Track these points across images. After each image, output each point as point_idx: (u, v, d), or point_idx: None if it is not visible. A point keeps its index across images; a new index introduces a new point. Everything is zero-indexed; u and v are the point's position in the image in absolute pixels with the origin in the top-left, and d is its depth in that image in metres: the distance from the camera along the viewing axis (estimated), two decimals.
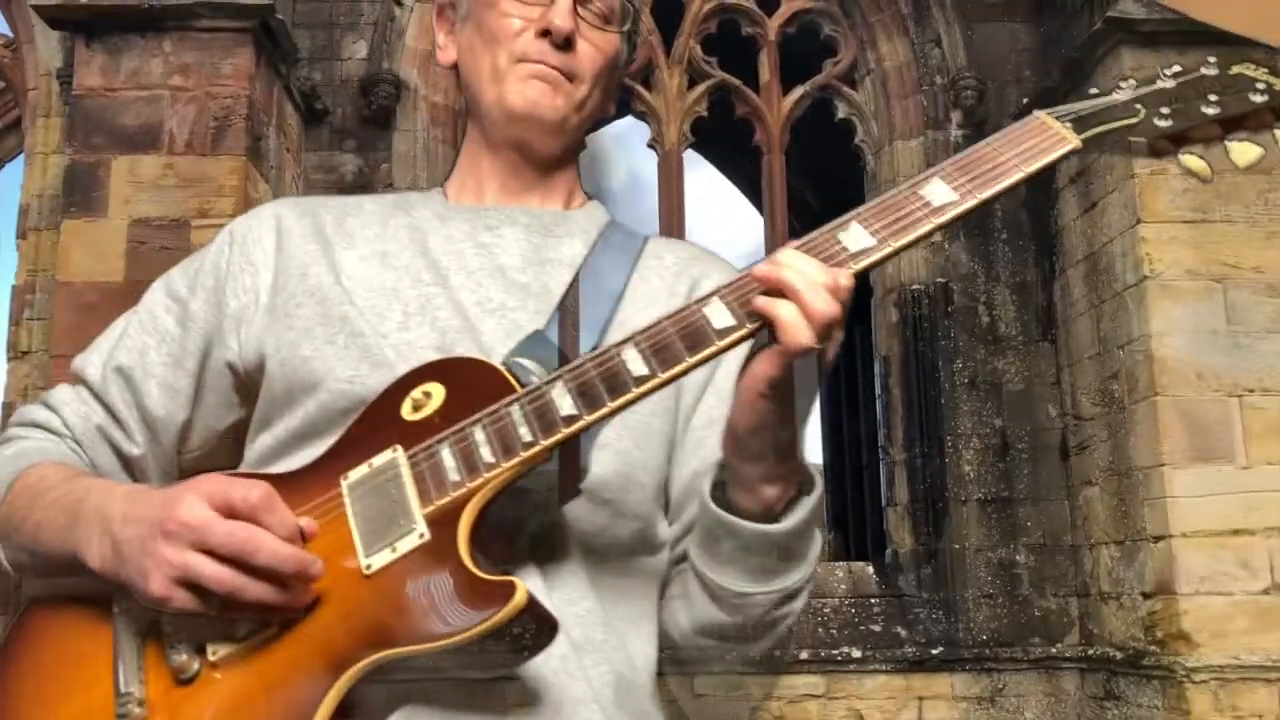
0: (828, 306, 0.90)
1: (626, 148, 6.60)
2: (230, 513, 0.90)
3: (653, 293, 1.17)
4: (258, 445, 1.12)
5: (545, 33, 1.15)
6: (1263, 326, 4.71)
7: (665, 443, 1.13)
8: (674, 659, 1.15)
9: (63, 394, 1.19)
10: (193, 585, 0.89)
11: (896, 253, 0.95)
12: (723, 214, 14.58)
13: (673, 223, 6.02)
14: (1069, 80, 5.39)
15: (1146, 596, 4.67)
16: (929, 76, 5.90)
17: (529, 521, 1.02)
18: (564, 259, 1.17)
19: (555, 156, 1.21)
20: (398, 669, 0.90)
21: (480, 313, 1.11)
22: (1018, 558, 5.44)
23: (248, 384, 1.15)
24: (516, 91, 1.16)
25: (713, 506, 1.01)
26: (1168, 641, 4.55)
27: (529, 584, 0.94)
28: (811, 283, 0.90)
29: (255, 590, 0.89)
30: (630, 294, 1.15)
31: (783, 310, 0.90)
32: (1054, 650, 5.36)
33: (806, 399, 0.97)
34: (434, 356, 1.05)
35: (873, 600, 5.54)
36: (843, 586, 5.61)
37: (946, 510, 5.50)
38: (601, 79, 1.20)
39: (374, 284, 1.12)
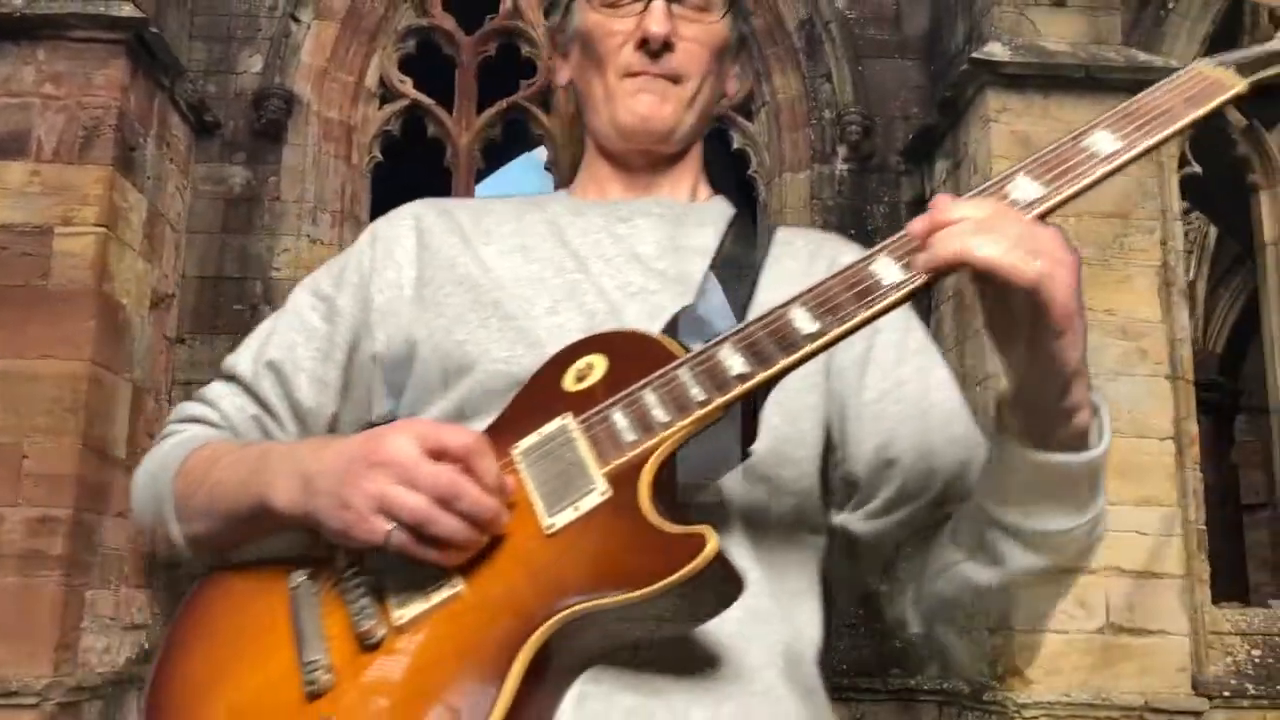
0: (1013, 224, 0.86)
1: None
2: (441, 457, 0.90)
3: (788, 274, 1.16)
4: None
5: (644, 42, 1.16)
6: (1111, 368, 4.79)
7: (819, 419, 1.12)
8: None
9: (217, 389, 1.21)
10: (389, 516, 0.89)
11: (1068, 200, 0.91)
12: None
13: None
14: (945, 119, 5.48)
15: (991, 632, 4.71)
16: (818, 111, 5.98)
17: (696, 492, 1.02)
18: (697, 247, 1.18)
19: (676, 154, 1.24)
20: (583, 631, 0.90)
21: (623, 297, 1.12)
22: (881, 588, 5.47)
23: (395, 376, 1.17)
24: (626, 109, 1.17)
25: (1038, 454, 0.95)
26: (1006, 677, 4.60)
27: None
28: (984, 213, 0.87)
29: (446, 524, 0.89)
30: (766, 277, 1.16)
31: (987, 253, 0.85)
32: (912, 682, 5.40)
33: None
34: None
35: None
36: None
37: None
38: (710, 69, 1.21)
39: (519, 274, 1.15)
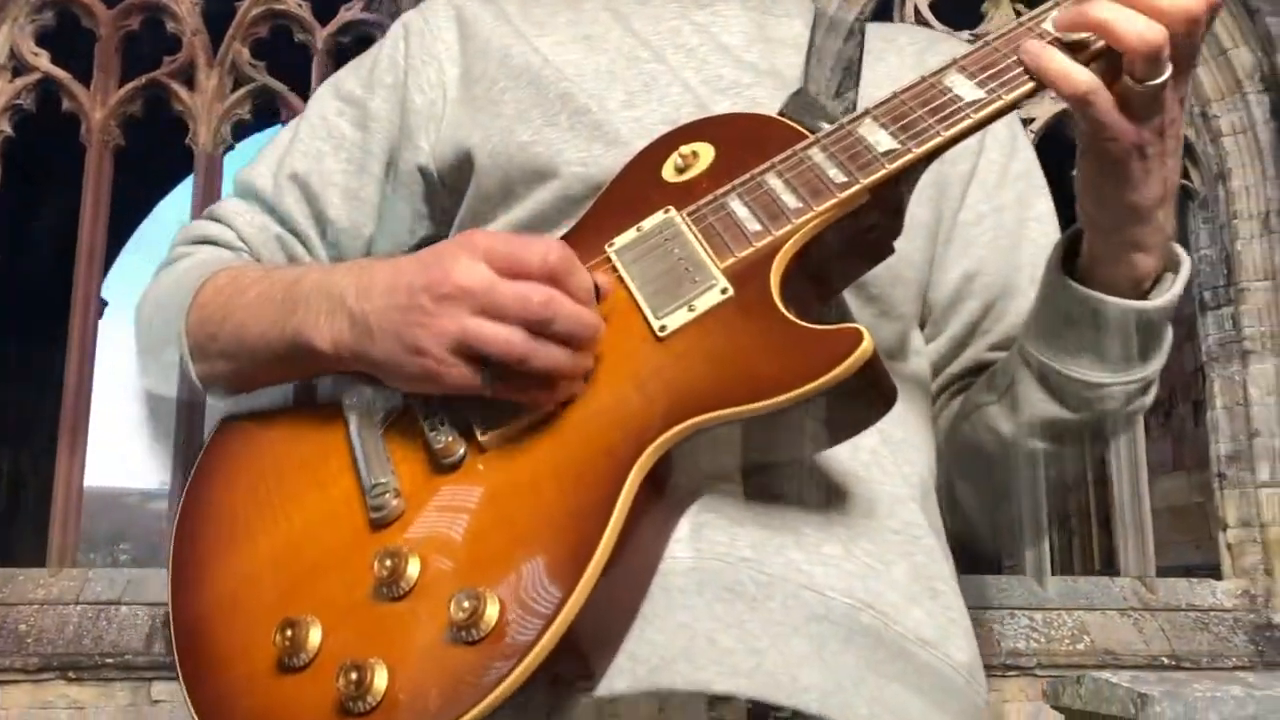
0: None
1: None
2: (519, 275, 0.74)
3: (893, 72, 1.00)
4: None
5: None
6: None
7: (930, 237, 0.99)
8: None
9: (233, 205, 1.03)
10: (474, 357, 0.74)
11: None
12: None
13: None
14: None
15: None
16: None
17: (841, 276, 0.87)
18: (789, 39, 1.02)
19: None
20: (703, 449, 0.74)
21: (711, 92, 0.96)
22: None
23: (442, 190, 1.01)
24: None
25: (1075, 284, 0.84)
26: None
27: None
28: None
29: (547, 355, 0.73)
30: (870, 75, 0.99)
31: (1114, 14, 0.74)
32: None
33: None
34: None
35: None
36: None
37: None
38: None
39: (585, 68, 0.98)
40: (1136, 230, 0.82)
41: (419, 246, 0.97)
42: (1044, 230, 1.03)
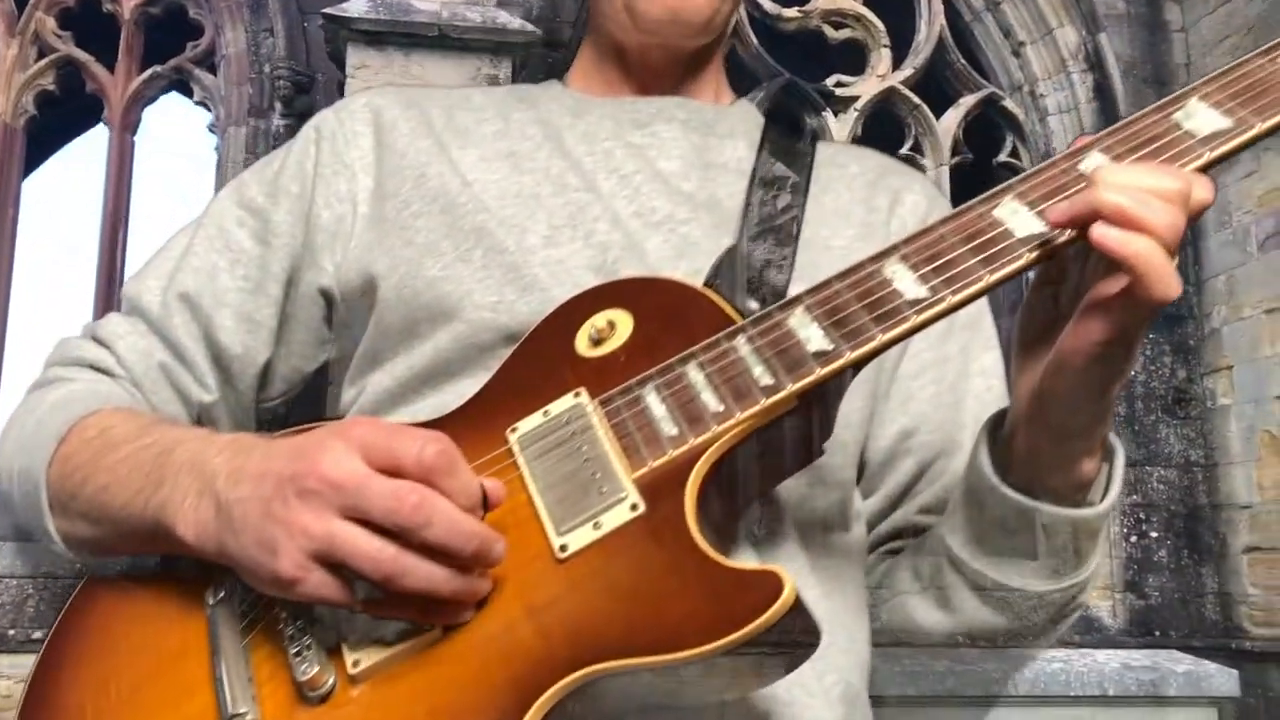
0: (1175, 229, 0.67)
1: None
2: (395, 472, 0.66)
3: (842, 207, 0.98)
4: (370, 388, 0.90)
5: None
6: None
7: (869, 394, 0.94)
8: None
9: (116, 325, 0.95)
10: (336, 565, 0.66)
11: (1264, 136, 0.72)
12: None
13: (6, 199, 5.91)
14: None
15: None
16: (258, 65, 5.94)
17: (758, 489, 0.80)
18: (731, 164, 0.97)
19: (704, 48, 1.01)
20: (604, 694, 0.66)
21: (642, 226, 0.91)
22: None
23: (345, 314, 0.95)
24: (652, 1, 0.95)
25: (1014, 495, 0.79)
26: None
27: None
28: (1149, 200, 0.67)
29: (422, 574, 0.65)
30: (815, 208, 0.95)
31: (1133, 246, 0.66)
32: None
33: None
34: (591, 278, 0.84)
35: None
36: None
37: None
38: None
39: (507, 191, 0.92)
40: (1096, 432, 0.76)
41: (321, 371, 0.95)
42: (988, 384, 0.97)
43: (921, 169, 6.17)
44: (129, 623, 0.78)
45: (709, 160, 0.97)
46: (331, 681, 0.68)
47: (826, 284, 0.74)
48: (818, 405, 0.75)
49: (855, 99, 6.48)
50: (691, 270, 0.86)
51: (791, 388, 0.71)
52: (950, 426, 0.96)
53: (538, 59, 6.06)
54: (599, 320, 0.79)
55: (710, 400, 0.72)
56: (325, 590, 0.66)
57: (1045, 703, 3.67)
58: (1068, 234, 0.70)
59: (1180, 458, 6.14)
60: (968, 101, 6.60)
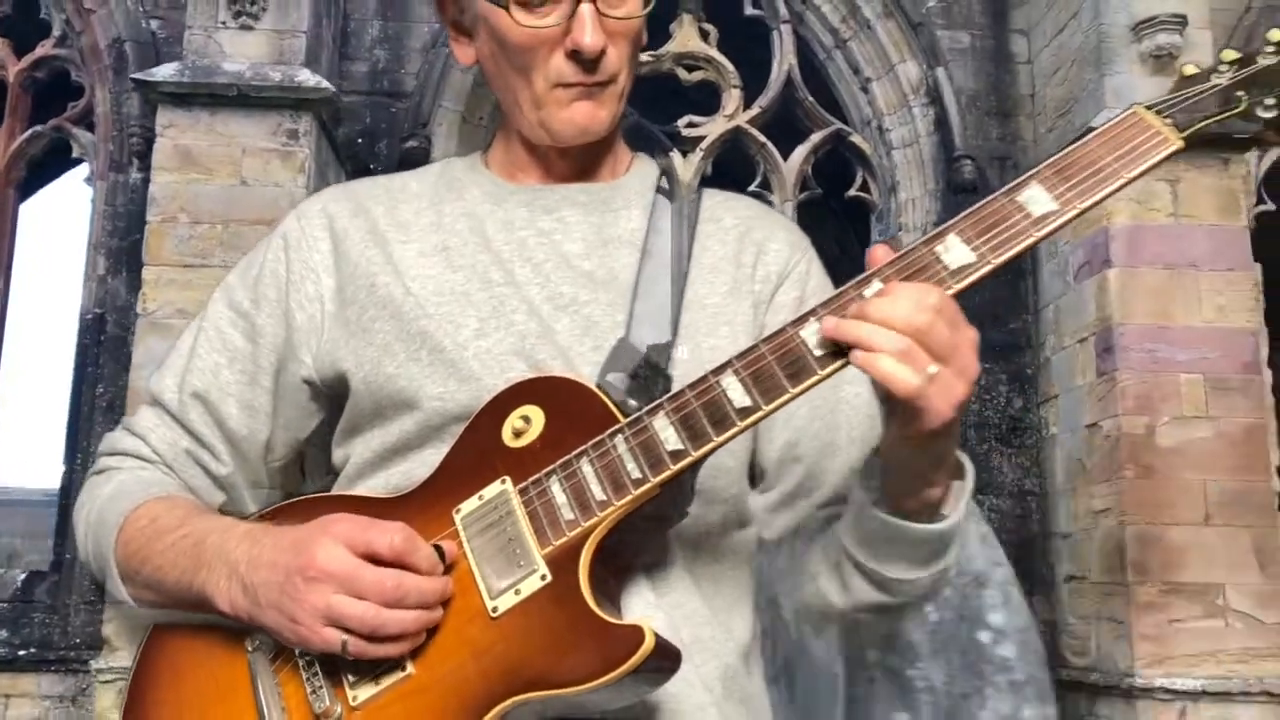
0: (920, 362, 0.87)
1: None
2: (373, 559, 0.92)
3: (717, 263, 1.14)
4: (354, 456, 1.13)
5: (574, 52, 1.08)
6: None
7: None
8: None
9: (146, 420, 1.18)
10: (337, 624, 0.92)
11: (996, 270, 0.91)
12: None
13: None
14: None
15: None
16: (120, 123, 6.38)
17: (640, 544, 1.02)
18: (625, 236, 1.14)
19: (603, 138, 1.16)
20: (529, 714, 0.92)
21: (553, 310, 1.09)
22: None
23: (327, 394, 1.16)
24: (561, 120, 1.12)
25: (881, 514, 1.00)
26: None
27: (640, 599, 1.01)
28: (899, 335, 0.87)
29: (397, 621, 0.92)
30: (695, 268, 1.13)
31: (880, 365, 0.87)
32: None
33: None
34: (515, 362, 1.06)
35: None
36: None
37: None
38: (634, 58, 1.15)
39: (443, 288, 1.11)
40: (937, 477, 0.98)
41: (316, 434, 1.18)
42: (856, 390, 1.14)
43: (769, 204, 6.33)
44: (190, 663, 1.04)
45: (607, 236, 1.14)
46: (339, 711, 0.95)
47: (681, 393, 0.95)
48: (677, 485, 0.97)
49: (702, 139, 6.66)
50: (594, 346, 1.07)
51: (654, 480, 0.93)
52: (828, 434, 1.14)
53: (362, 107, 6.40)
54: (517, 417, 1.00)
55: (597, 490, 0.94)
56: (334, 643, 0.92)
57: None
58: (845, 361, 0.90)
59: (1014, 486, 6.15)
60: (815, 138, 6.75)
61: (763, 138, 6.75)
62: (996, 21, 6.74)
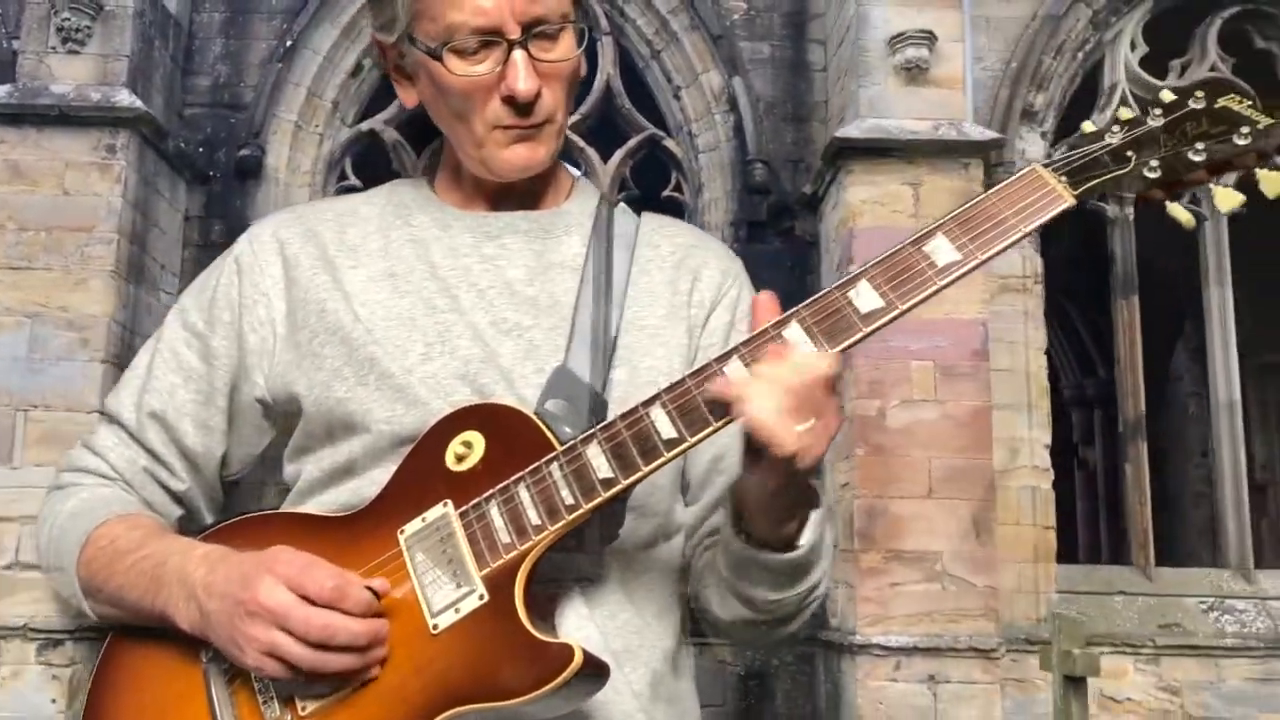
0: (799, 437, 0.92)
1: None
2: (309, 599, 0.97)
3: (654, 288, 1.19)
4: (305, 473, 1.17)
5: (510, 97, 1.11)
6: (56, 354, 5.83)
7: None
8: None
9: (105, 439, 1.21)
10: (277, 658, 0.97)
11: (903, 314, 0.95)
12: None
13: None
14: None
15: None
16: None
17: (573, 563, 1.08)
18: (566, 261, 1.18)
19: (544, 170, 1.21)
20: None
21: (496, 334, 1.13)
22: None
23: (279, 413, 1.20)
24: (501, 160, 1.15)
25: (741, 544, 1.06)
26: None
27: (574, 612, 1.07)
28: (781, 405, 0.92)
29: (335, 663, 0.97)
30: (633, 291, 1.18)
31: (756, 429, 0.92)
32: None
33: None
34: (460, 386, 1.10)
35: None
36: None
37: None
38: (570, 95, 1.19)
39: (390, 314, 1.14)
40: (793, 513, 1.04)
41: (270, 448, 1.23)
42: None
43: None
44: (148, 671, 1.08)
45: (549, 261, 1.18)
46: None
47: (612, 424, 0.99)
48: (609, 510, 1.03)
49: None
50: (536, 370, 1.11)
51: (586, 506, 0.98)
52: None
53: (204, 119, 6.96)
54: (459, 443, 1.04)
55: (532, 515, 0.99)
56: (276, 672, 0.98)
57: None
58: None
59: None
60: (631, 143, 7.28)
61: (582, 142, 7.28)
62: (796, 32, 7.24)
